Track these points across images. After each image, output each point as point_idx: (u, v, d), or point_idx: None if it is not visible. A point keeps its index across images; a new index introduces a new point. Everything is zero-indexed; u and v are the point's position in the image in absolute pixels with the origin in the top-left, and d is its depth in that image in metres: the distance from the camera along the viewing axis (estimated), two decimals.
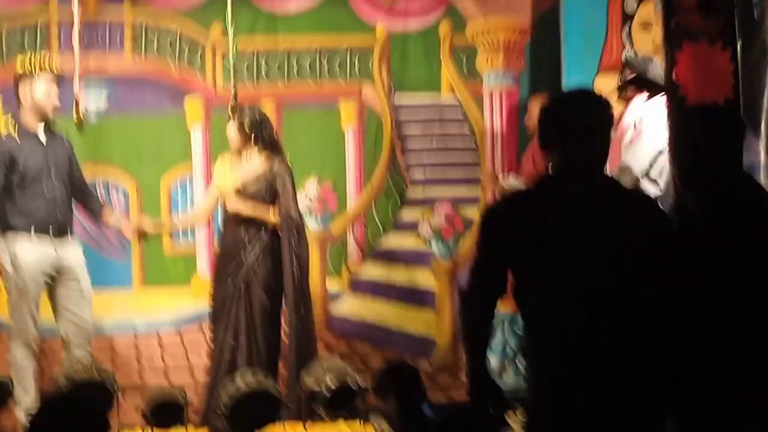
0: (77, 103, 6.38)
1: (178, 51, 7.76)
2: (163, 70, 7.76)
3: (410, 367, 5.10)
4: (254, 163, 6.32)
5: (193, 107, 7.76)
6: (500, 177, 7.34)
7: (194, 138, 7.76)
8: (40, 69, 6.15)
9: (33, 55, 6.22)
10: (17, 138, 6.13)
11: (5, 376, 5.46)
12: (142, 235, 6.57)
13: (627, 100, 6.37)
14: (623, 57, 7.01)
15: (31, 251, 6.10)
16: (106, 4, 7.65)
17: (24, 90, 6.14)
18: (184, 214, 7.36)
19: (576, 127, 3.50)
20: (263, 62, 7.80)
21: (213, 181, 6.60)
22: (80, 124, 6.40)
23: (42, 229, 6.14)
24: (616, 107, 6.64)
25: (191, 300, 7.65)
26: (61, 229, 6.23)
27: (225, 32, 7.03)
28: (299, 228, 6.33)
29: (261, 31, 7.80)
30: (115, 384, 5.25)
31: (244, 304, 6.24)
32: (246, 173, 6.31)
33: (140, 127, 7.68)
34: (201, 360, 7.00)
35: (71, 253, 6.30)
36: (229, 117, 6.49)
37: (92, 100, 7.22)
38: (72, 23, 6.70)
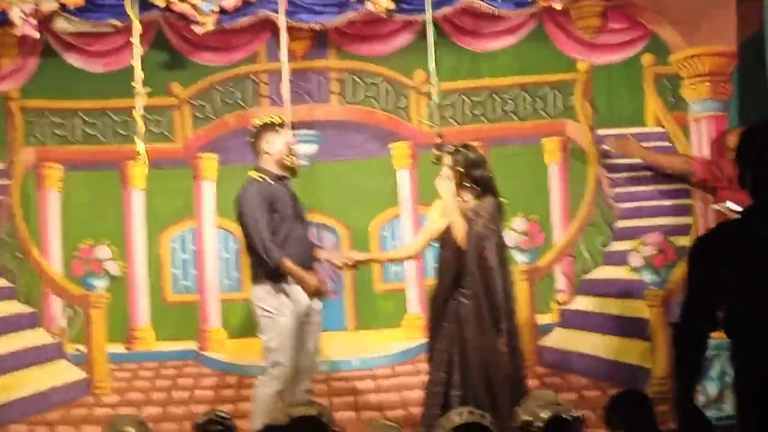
0: (290, 150, 6.65)
1: (384, 95, 7.91)
2: (369, 114, 7.92)
3: (642, 395, 4.99)
4: (468, 201, 6.41)
5: (400, 150, 7.89)
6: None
7: (401, 180, 7.88)
8: (280, 122, 6.57)
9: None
10: (270, 182, 6.47)
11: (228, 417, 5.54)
12: (353, 266, 6.77)
13: None
14: None
15: (298, 292, 6.38)
16: (312, 54, 7.86)
17: (268, 142, 6.54)
18: (395, 249, 7.49)
19: (765, 158, 3.47)
20: (467, 101, 7.87)
21: (428, 221, 6.71)
22: (294, 171, 6.67)
23: (304, 269, 6.42)
24: None
25: (404, 336, 7.75)
26: (312, 269, 6.52)
27: (428, 74, 7.19)
28: (504, 263, 6.36)
29: (464, 71, 7.87)
30: (332, 420, 5.36)
31: (457, 340, 6.31)
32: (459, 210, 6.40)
33: (349, 172, 7.86)
34: (415, 395, 7.09)
35: None
36: (435, 158, 6.63)
37: (302, 147, 7.41)
38: (280, 74, 6.99)
